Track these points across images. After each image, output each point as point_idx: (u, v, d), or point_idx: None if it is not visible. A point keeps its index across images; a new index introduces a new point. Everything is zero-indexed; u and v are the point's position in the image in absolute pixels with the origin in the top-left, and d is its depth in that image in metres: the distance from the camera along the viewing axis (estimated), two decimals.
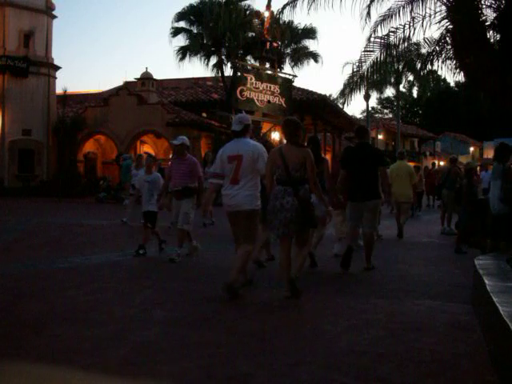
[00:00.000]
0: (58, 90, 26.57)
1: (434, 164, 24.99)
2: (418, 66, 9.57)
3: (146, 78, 26.08)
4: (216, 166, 5.58)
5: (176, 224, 7.69)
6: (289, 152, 5.18)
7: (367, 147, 7.06)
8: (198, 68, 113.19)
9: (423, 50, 9.20)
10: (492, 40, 7.37)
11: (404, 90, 56.25)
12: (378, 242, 8.93)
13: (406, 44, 8.81)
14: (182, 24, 26.10)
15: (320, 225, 6.44)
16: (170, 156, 25.02)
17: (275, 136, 24.72)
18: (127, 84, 28.81)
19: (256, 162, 5.30)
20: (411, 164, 15.26)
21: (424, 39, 8.73)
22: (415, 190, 12.06)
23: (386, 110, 71.36)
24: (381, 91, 39.83)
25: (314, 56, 27.67)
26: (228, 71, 25.73)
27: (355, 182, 6.76)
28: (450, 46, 8.04)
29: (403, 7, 8.25)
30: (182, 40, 26.17)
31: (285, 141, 5.59)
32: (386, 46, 8.70)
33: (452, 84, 56.43)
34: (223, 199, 5.51)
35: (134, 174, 11.33)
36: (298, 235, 5.26)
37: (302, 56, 27.27)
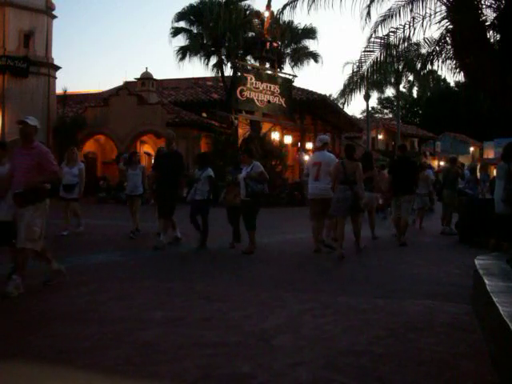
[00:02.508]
0: (58, 90, 26.61)
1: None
2: (418, 66, 9.57)
3: (146, 78, 26.08)
4: (306, 168, 8.99)
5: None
6: (347, 164, 8.10)
7: (406, 159, 10.16)
8: (198, 68, 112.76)
9: (423, 50, 9.19)
10: (492, 40, 7.36)
11: (404, 90, 56.18)
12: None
13: (405, 44, 8.80)
14: (182, 24, 26.16)
15: (369, 211, 10.11)
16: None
17: (275, 136, 24.71)
18: (127, 84, 28.82)
19: (329, 167, 8.29)
20: None
21: (424, 39, 8.72)
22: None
23: (386, 110, 71.29)
24: (381, 91, 39.83)
25: (314, 56, 27.67)
26: (228, 71, 25.78)
27: (398, 183, 9.63)
28: (450, 46, 8.03)
29: (403, 7, 8.23)
30: (182, 40, 26.24)
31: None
32: (386, 46, 8.69)
33: (452, 84, 56.37)
34: (309, 189, 8.59)
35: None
36: (352, 217, 8.34)
37: (302, 56, 27.27)
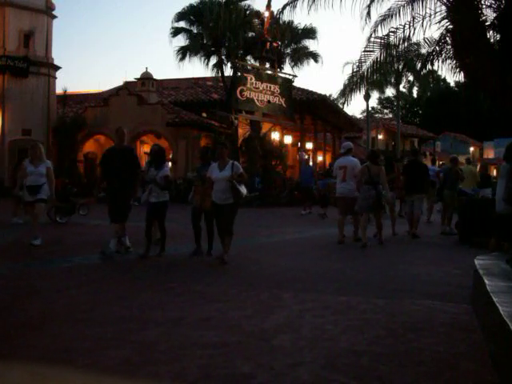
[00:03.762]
0: (58, 90, 26.61)
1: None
2: (418, 66, 9.56)
3: (146, 78, 26.08)
4: (334, 171, 10.32)
5: None
6: (372, 167, 9.47)
7: (417, 163, 11.45)
8: (198, 68, 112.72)
9: (423, 50, 9.20)
10: (492, 40, 7.36)
11: (404, 90, 56.22)
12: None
13: (405, 44, 8.80)
14: (182, 24, 26.11)
15: (390, 209, 11.46)
16: (171, 156, 25.08)
17: (275, 136, 24.70)
18: (127, 84, 28.82)
19: (354, 170, 9.70)
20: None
21: (424, 39, 8.71)
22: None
23: (386, 110, 71.33)
24: (381, 91, 39.82)
25: (314, 56, 27.64)
26: (228, 71, 25.73)
27: (410, 183, 11.10)
28: (450, 46, 8.03)
29: (403, 7, 8.24)
30: (182, 40, 26.19)
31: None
32: (386, 46, 8.69)
33: (452, 84, 56.41)
34: (337, 190, 10.03)
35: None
36: (375, 213, 9.74)
37: (302, 56, 27.23)
